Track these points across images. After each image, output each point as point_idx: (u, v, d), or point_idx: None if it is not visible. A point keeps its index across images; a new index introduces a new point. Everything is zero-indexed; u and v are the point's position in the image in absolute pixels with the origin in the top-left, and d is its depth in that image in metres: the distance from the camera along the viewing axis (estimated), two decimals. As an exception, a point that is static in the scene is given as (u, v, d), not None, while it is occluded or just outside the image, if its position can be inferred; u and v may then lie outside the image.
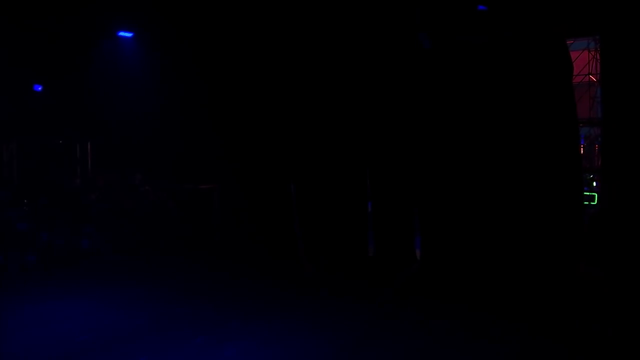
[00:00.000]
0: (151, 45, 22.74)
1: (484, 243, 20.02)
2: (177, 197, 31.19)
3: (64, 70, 25.92)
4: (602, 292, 17.47)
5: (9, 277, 22.28)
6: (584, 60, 23.22)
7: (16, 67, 24.61)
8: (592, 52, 23.25)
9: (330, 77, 22.38)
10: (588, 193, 27.99)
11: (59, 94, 27.19)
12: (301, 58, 22.74)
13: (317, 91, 23.08)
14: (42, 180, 28.90)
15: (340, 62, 21.64)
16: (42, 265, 23.61)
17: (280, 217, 26.14)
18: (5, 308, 18.04)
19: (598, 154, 24.75)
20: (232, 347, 14.54)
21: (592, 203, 26.90)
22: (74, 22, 20.59)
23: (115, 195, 30.31)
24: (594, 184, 28.00)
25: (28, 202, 27.67)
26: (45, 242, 24.88)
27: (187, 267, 24.39)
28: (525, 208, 19.16)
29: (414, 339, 15.13)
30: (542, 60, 18.03)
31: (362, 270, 22.52)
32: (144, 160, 31.43)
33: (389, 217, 22.73)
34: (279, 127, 25.97)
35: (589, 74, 22.61)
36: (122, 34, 19.19)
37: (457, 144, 20.38)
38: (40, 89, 26.35)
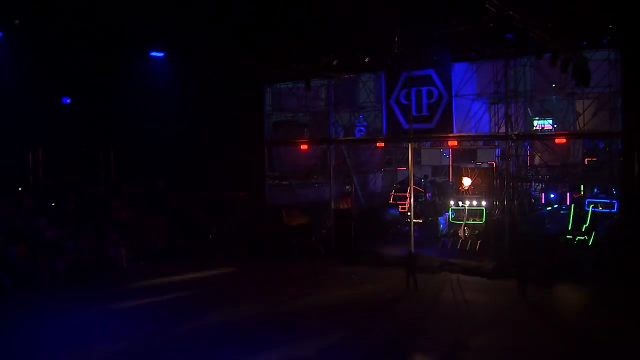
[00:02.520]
0: (178, 63, 23.23)
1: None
2: (200, 204, 31.80)
3: (95, 83, 26.52)
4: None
5: (40, 284, 22.69)
6: (604, 71, 23.23)
7: (48, 80, 25.23)
8: (613, 63, 23.22)
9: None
10: (607, 200, 28.23)
11: (87, 104, 27.75)
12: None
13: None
14: (67, 187, 29.46)
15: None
16: (70, 273, 23.97)
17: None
18: (42, 316, 18.49)
19: (618, 163, 24.75)
20: (264, 358, 14.89)
21: (612, 210, 27.13)
22: (107, 39, 21.14)
23: (139, 202, 30.87)
24: (613, 191, 28.19)
25: (54, 209, 28.25)
26: (72, 250, 25.25)
27: (212, 275, 24.73)
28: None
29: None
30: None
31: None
32: (166, 168, 32.03)
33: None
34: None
35: (610, 85, 22.65)
36: (154, 53, 19.72)
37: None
38: (68, 101, 26.88)
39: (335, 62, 20.84)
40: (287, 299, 20.49)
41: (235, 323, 17.78)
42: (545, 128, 32.86)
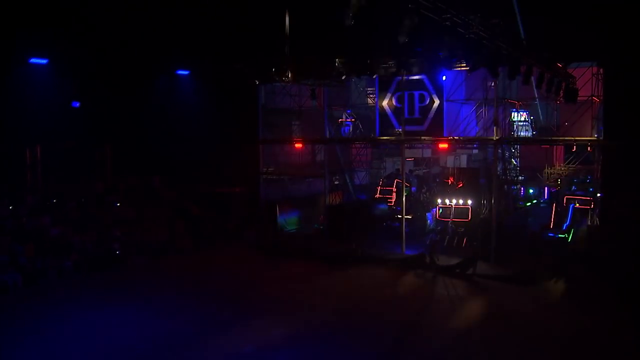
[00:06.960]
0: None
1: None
2: (196, 200, 32.55)
3: (101, 88, 27.17)
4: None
5: (50, 283, 23.19)
6: (587, 78, 24.42)
7: (65, 87, 25.85)
8: (594, 70, 24.40)
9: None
10: (587, 198, 29.78)
11: (90, 107, 28.35)
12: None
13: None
14: (67, 184, 29.95)
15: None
16: (78, 271, 24.56)
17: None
18: (58, 315, 19.14)
19: (597, 167, 26.21)
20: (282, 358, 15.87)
21: (589, 208, 28.67)
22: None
23: (137, 198, 31.51)
24: (590, 189, 29.86)
25: (57, 207, 28.77)
26: (78, 247, 25.88)
27: (217, 270, 25.48)
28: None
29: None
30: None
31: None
32: (162, 165, 32.63)
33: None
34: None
35: (592, 95, 23.94)
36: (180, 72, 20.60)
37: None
38: (77, 105, 27.41)
39: (343, 77, 21.79)
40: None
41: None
42: (521, 119, 34.52)
